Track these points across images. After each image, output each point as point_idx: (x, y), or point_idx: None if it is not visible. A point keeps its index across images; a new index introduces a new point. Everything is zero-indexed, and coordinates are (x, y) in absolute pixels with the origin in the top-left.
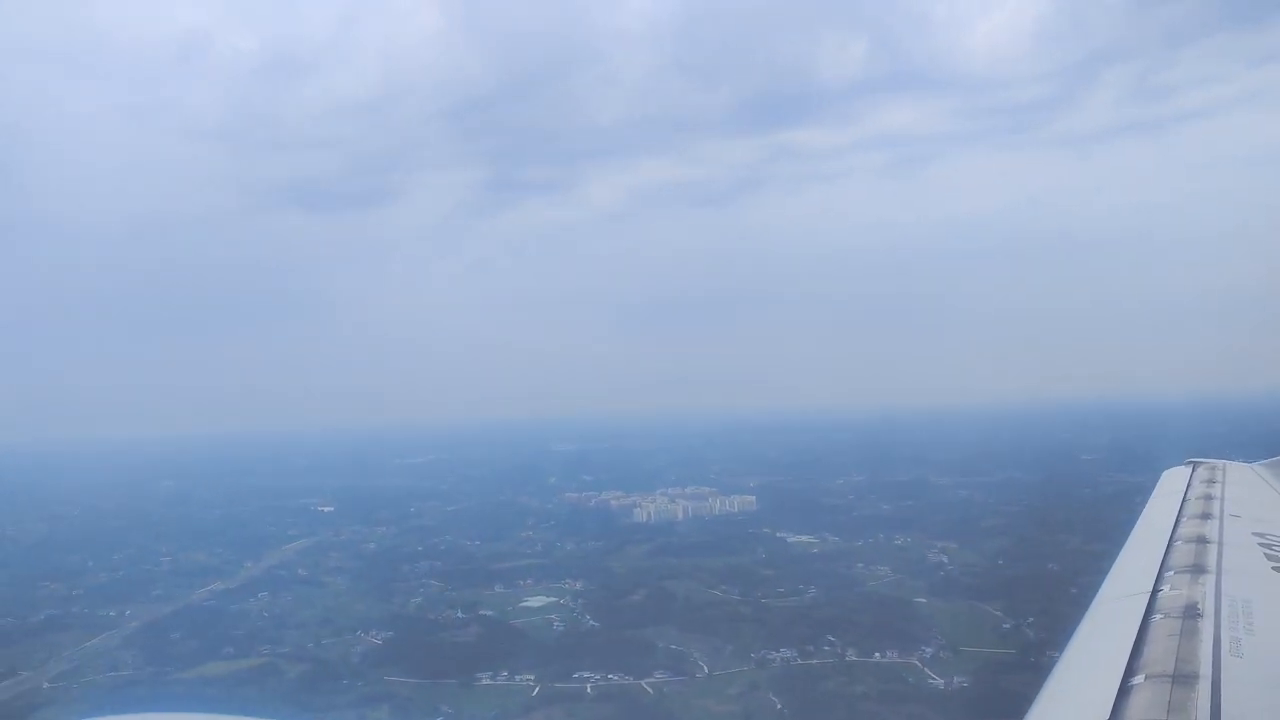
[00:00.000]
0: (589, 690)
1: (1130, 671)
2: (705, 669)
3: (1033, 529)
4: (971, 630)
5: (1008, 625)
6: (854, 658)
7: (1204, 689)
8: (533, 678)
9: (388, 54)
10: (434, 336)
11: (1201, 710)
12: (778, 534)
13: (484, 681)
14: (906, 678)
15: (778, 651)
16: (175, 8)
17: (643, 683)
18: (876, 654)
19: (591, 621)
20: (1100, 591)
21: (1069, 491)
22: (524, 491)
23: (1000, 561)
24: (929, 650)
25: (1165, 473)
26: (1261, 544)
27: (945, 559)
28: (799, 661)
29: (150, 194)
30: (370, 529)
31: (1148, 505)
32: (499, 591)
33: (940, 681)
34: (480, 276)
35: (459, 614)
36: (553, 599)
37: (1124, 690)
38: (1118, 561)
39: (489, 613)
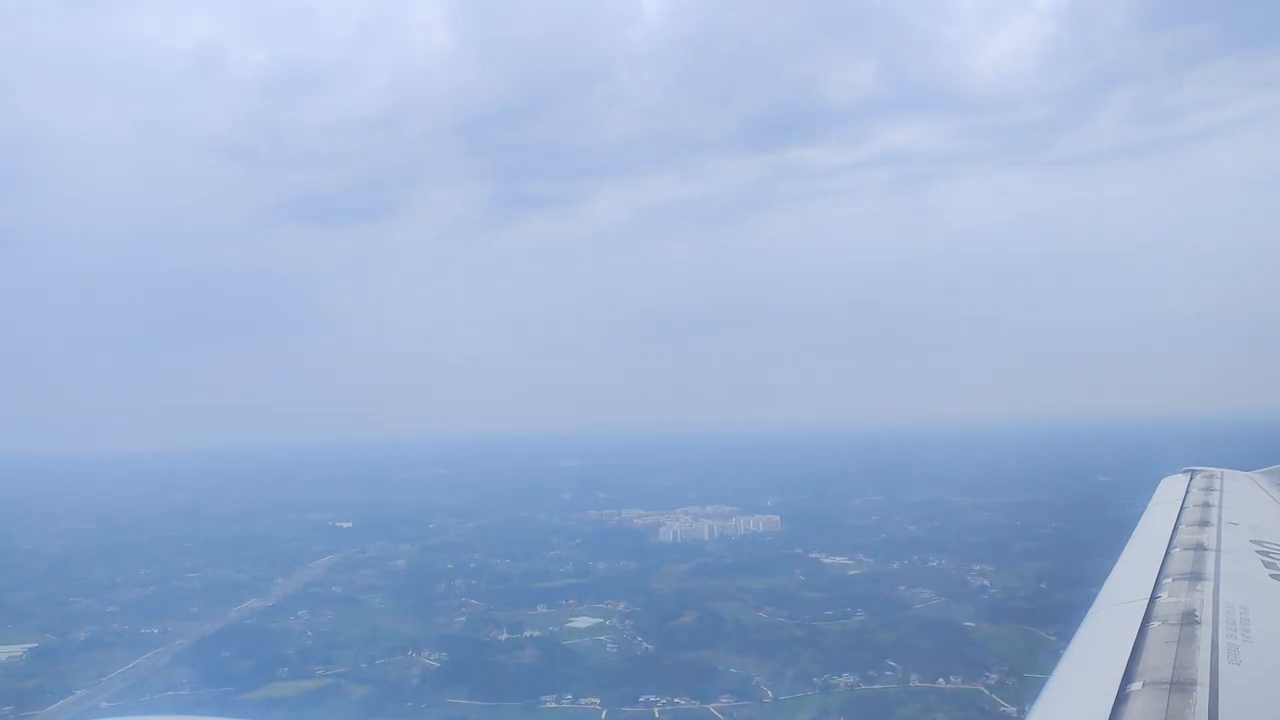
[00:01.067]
0: (656, 714)
1: (1128, 678)
2: (770, 694)
3: (1068, 552)
4: (1029, 656)
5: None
6: (919, 684)
7: (1202, 696)
8: (597, 701)
9: (400, 70)
10: (435, 350)
11: (1199, 717)
12: (810, 555)
13: (548, 705)
14: (979, 704)
15: (840, 676)
16: (190, 22)
17: (710, 707)
18: (940, 680)
19: (645, 644)
20: (1098, 598)
21: (1095, 514)
22: (541, 508)
23: (1043, 585)
24: (993, 676)
25: (1163, 480)
26: (1259, 551)
27: (986, 582)
28: (864, 687)
29: (159, 207)
30: (394, 545)
31: (1146, 512)
32: (542, 612)
33: (1013, 709)
34: (481, 291)
35: (505, 635)
36: (598, 620)
37: (1122, 697)
38: (1116, 568)
39: (536, 633)
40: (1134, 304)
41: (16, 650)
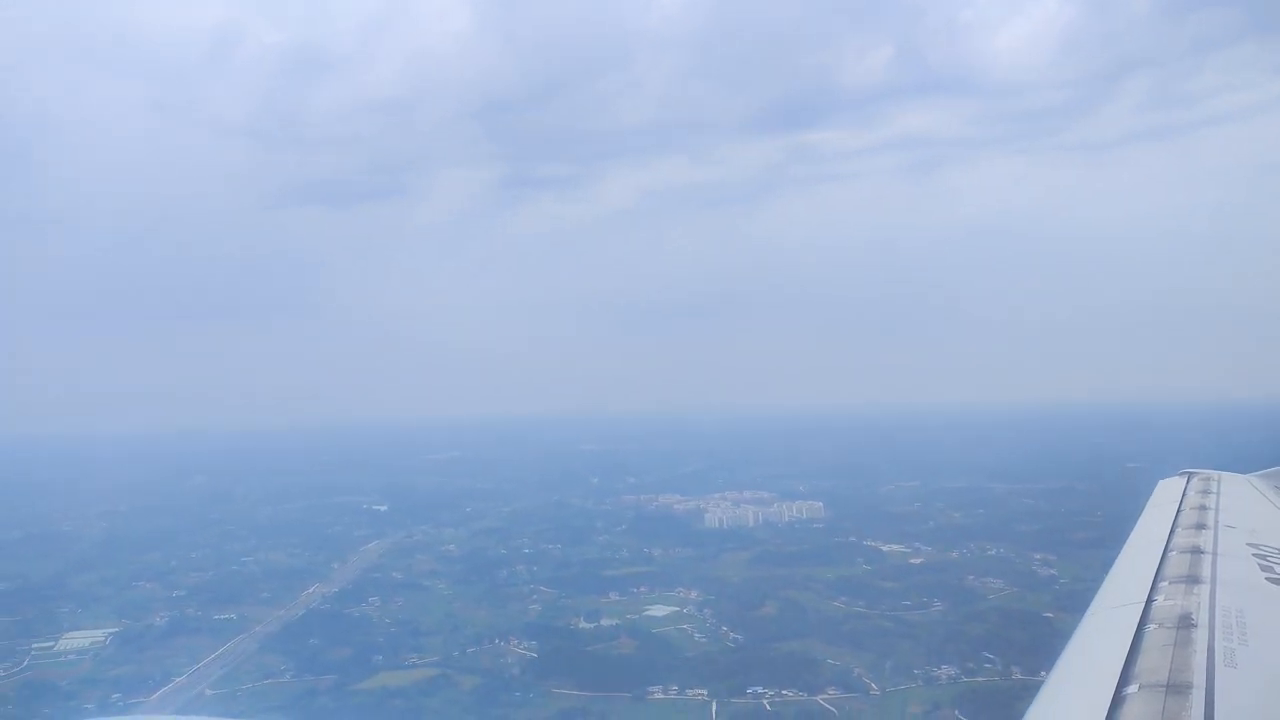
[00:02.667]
0: (767, 706)
1: (1124, 681)
2: (875, 686)
3: (1124, 542)
4: None
5: None
6: (1021, 676)
7: (1198, 699)
8: (705, 692)
9: (417, 54)
10: (441, 332)
11: None
12: (865, 543)
13: (656, 695)
14: None
15: (939, 669)
16: (209, 4)
17: (819, 699)
18: (1043, 672)
19: (732, 634)
20: (1095, 601)
21: (1137, 503)
22: (572, 493)
23: None
24: None
25: (1160, 483)
26: (1256, 555)
27: (1054, 572)
28: (966, 680)
29: (174, 189)
30: (438, 530)
31: (1143, 515)
32: (615, 600)
33: None
34: (490, 274)
35: (585, 623)
36: (674, 608)
37: (1118, 700)
38: (1112, 571)
39: (615, 622)
40: (1143, 288)
41: (98, 636)
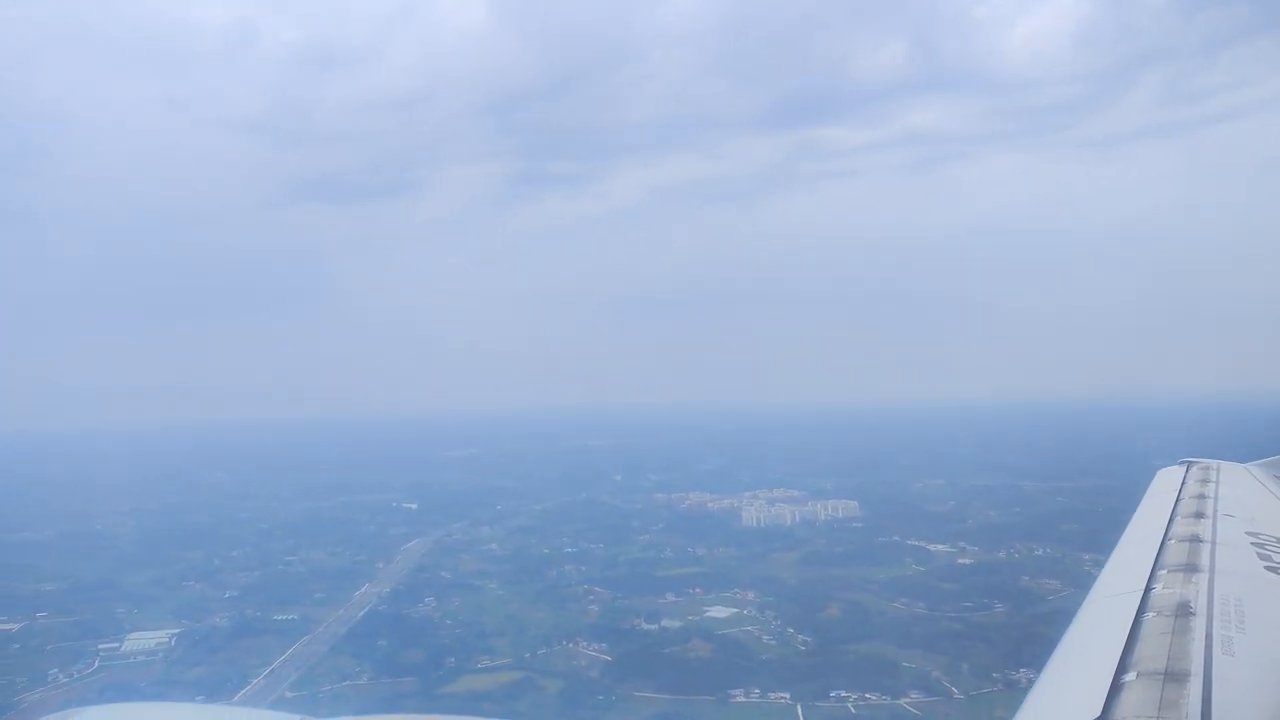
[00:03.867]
0: (852, 710)
1: (1122, 669)
2: (955, 690)
3: None
4: None
5: None
6: None
7: (1195, 686)
8: (787, 695)
9: (431, 49)
10: (446, 327)
11: (1192, 707)
12: (909, 543)
13: (739, 699)
14: None
15: (1017, 672)
16: (227, 1)
17: (902, 703)
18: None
19: (799, 636)
20: (1093, 589)
21: None
22: (599, 490)
23: None
24: None
25: (1160, 472)
26: (1254, 543)
27: None
28: None
29: (188, 185)
30: (474, 529)
31: (1141, 504)
32: (672, 600)
33: None
34: (496, 269)
35: (647, 624)
36: (734, 610)
37: (1116, 687)
38: (1111, 559)
39: (677, 623)
40: (1150, 283)
41: (162, 636)
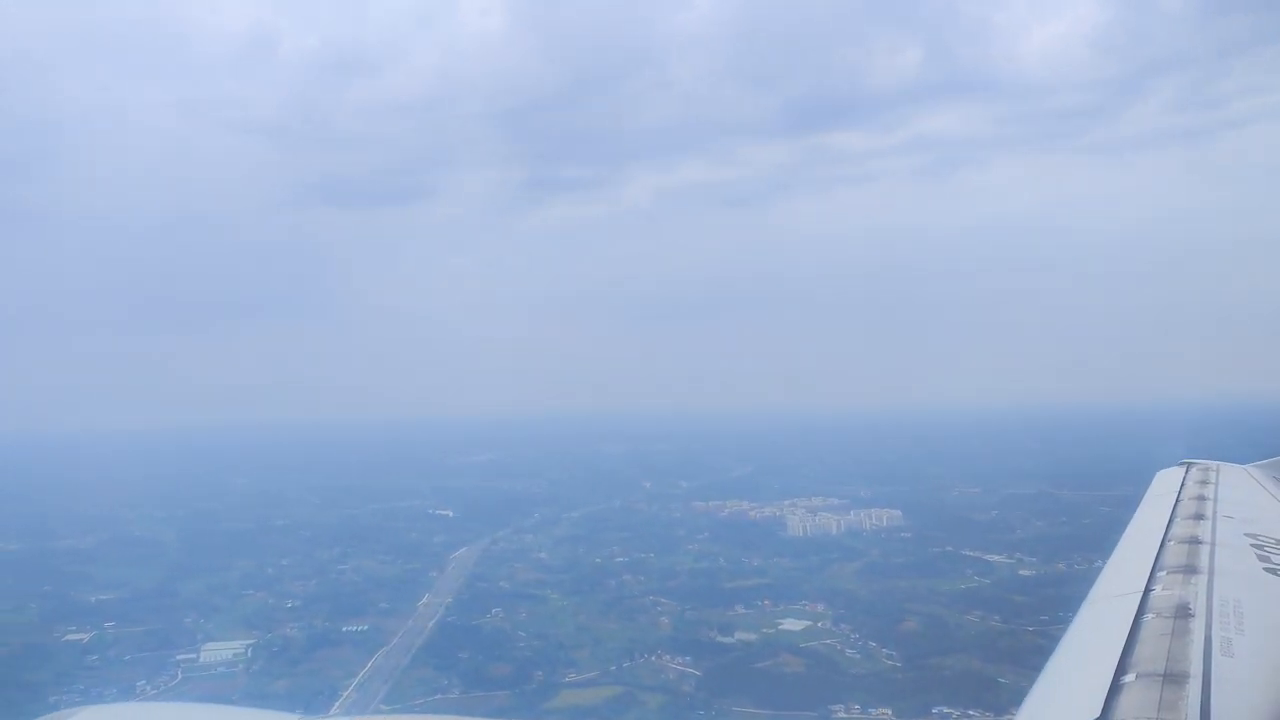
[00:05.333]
0: None
1: (1122, 670)
2: None
3: None
4: None
5: None
6: None
7: (1194, 688)
8: (889, 711)
9: (449, 55)
10: (454, 332)
11: (1192, 709)
12: (963, 553)
13: (840, 715)
14: None
15: None
16: (247, 5)
17: None
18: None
19: (883, 650)
20: (1093, 590)
21: None
22: (632, 497)
23: None
24: None
25: (1159, 473)
26: (1254, 545)
27: None
28: None
29: (195, 187)
30: (518, 537)
31: (1141, 506)
32: (742, 612)
33: None
34: (505, 275)
35: (721, 636)
36: (808, 622)
37: (1115, 688)
38: (1110, 561)
39: (752, 636)
40: (1160, 289)
41: (237, 647)
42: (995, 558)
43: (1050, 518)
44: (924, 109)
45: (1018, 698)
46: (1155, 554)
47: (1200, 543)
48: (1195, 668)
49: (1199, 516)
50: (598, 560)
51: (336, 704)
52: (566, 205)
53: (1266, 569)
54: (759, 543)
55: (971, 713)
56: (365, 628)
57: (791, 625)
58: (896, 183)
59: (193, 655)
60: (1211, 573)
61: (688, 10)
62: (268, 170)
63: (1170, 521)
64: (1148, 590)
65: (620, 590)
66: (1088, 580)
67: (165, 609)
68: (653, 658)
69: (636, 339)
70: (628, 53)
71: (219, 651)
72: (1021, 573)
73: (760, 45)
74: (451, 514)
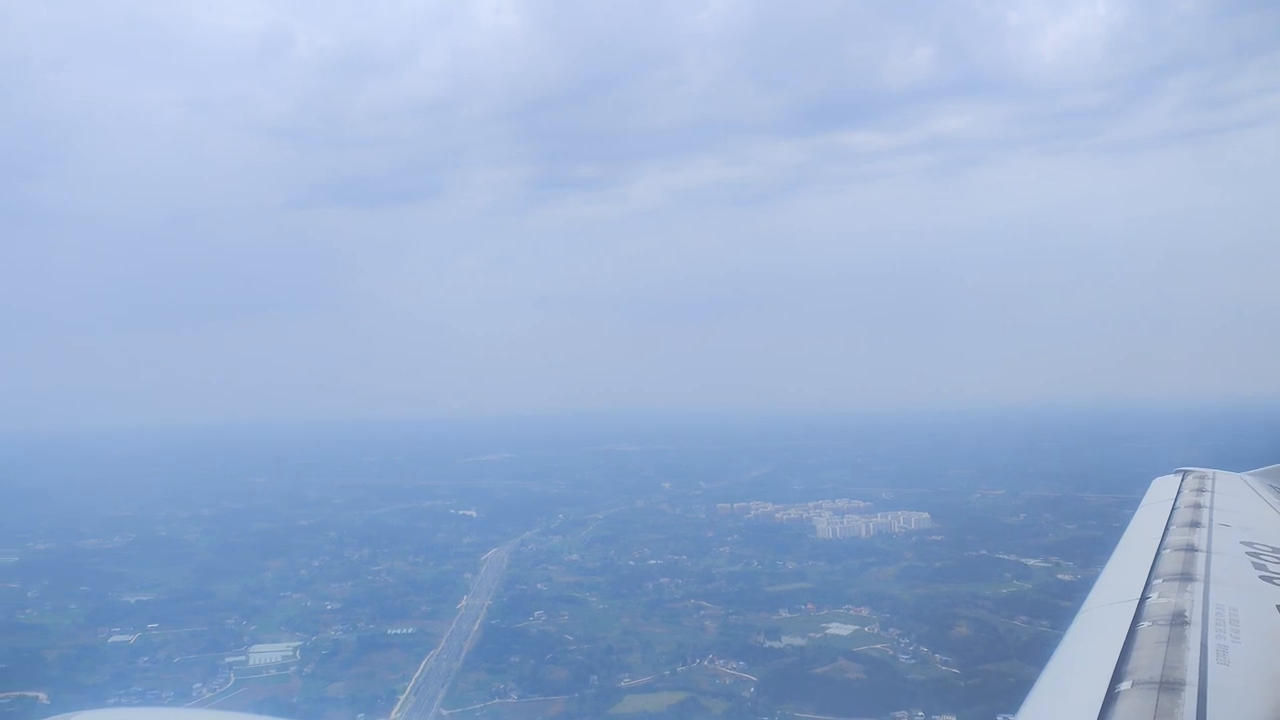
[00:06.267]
0: None
1: (1117, 678)
2: None
3: None
4: None
5: None
6: None
7: (1190, 696)
8: (954, 719)
9: (462, 54)
10: (460, 330)
11: (1188, 717)
12: (998, 556)
13: None
14: None
15: None
16: (261, 5)
17: None
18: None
19: (937, 655)
20: (1088, 598)
21: None
22: (654, 498)
23: None
24: None
25: (1155, 481)
26: (1250, 553)
27: None
28: None
29: (206, 186)
30: (546, 538)
31: (1137, 513)
32: (787, 616)
33: None
34: (512, 274)
35: (769, 640)
36: (855, 627)
37: (1111, 696)
38: (1106, 569)
39: (801, 640)
40: (1170, 289)
41: (285, 649)
42: (1032, 562)
43: (1079, 521)
44: (937, 108)
45: None
46: (1151, 562)
47: (1196, 550)
48: (1191, 676)
49: (1195, 524)
50: (630, 563)
51: (395, 708)
52: (577, 204)
53: (1262, 577)
54: (790, 545)
55: None
56: (411, 630)
57: (839, 630)
58: (908, 182)
59: (241, 658)
60: (1207, 581)
61: (704, 9)
62: (279, 169)
63: (1166, 529)
64: (1144, 598)
65: (659, 593)
66: None
67: (205, 610)
68: (705, 662)
69: (646, 337)
70: (643, 52)
71: (267, 654)
72: (1061, 577)
73: (775, 44)
74: (475, 514)
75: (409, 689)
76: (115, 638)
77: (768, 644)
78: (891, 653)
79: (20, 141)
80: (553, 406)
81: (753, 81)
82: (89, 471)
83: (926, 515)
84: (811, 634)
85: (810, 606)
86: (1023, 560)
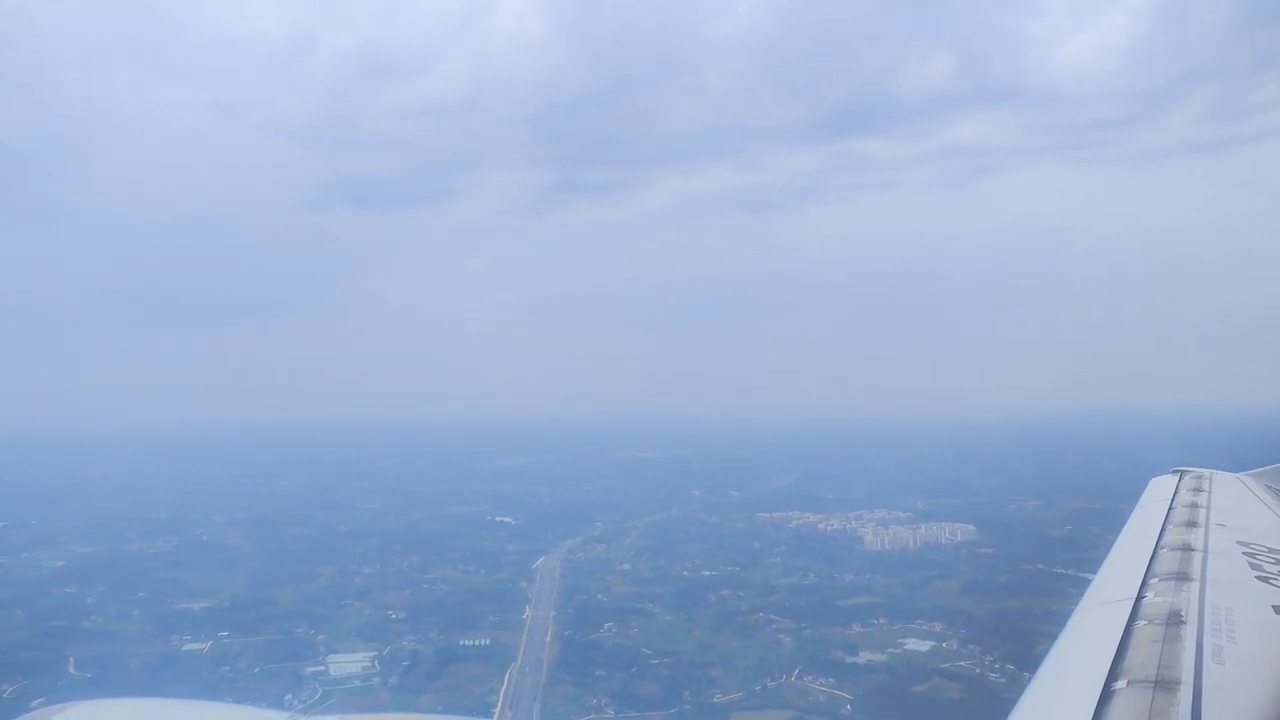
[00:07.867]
0: None
1: (1113, 676)
2: None
3: None
4: None
5: None
6: None
7: (1185, 695)
8: None
9: (484, 60)
10: (472, 333)
11: (1182, 716)
12: (1055, 570)
13: None
14: None
15: None
16: (285, 9)
17: None
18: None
19: (1026, 674)
20: (1085, 597)
21: None
22: (689, 507)
23: None
24: None
25: (1152, 481)
26: (1246, 553)
27: None
28: None
29: (223, 187)
30: (590, 546)
31: (1134, 513)
32: (860, 631)
33: None
34: (522, 276)
35: (848, 656)
36: (932, 642)
37: (1106, 695)
38: (1103, 568)
39: (880, 657)
40: (1184, 300)
41: (362, 660)
42: (1091, 577)
43: None
44: (955, 117)
45: None
46: (1148, 561)
47: (1193, 550)
48: (1187, 675)
49: (1192, 524)
50: (685, 573)
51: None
52: (590, 208)
53: (1259, 577)
54: (842, 557)
55: None
56: (485, 642)
57: (916, 645)
58: (923, 190)
59: (320, 668)
60: (1204, 580)
61: (726, 16)
62: (297, 171)
63: (1163, 529)
64: (1140, 597)
65: (723, 606)
66: None
67: (271, 619)
68: (792, 678)
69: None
70: (663, 58)
71: (346, 664)
72: None
73: (794, 51)
74: (512, 521)
75: (499, 702)
76: (188, 646)
77: (848, 660)
78: (979, 671)
79: (42, 142)
80: (565, 410)
81: (770, 88)
82: (112, 472)
83: (972, 527)
84: (889, 650)
85: (883, 621)
86: (1081, 575)
